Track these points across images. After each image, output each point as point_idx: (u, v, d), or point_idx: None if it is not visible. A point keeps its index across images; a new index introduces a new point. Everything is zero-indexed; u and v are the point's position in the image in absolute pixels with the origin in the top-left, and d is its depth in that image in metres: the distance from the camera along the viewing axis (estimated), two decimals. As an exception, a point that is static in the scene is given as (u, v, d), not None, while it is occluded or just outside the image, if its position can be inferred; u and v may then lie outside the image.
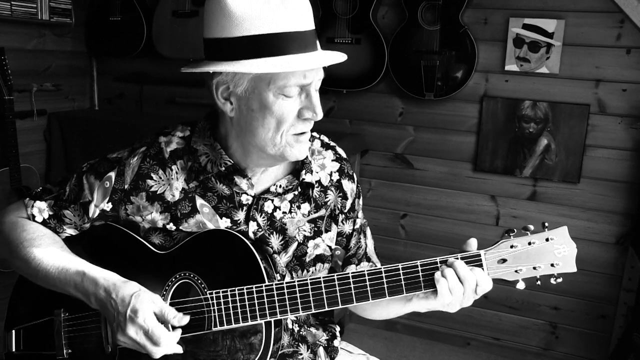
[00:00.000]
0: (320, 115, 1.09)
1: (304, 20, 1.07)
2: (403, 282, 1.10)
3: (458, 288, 1.07)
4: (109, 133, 3.09)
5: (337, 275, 1.11)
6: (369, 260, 1.35)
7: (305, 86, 1.08)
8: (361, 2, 2.80)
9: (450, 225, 2.98)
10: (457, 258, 1.10)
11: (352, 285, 1.10)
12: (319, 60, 1.06)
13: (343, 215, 1.29)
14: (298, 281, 1.11)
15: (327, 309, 1.11)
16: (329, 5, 2.84)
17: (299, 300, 1.10)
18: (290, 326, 1.26)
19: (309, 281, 1.11)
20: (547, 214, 2.79)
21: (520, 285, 1.10)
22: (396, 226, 3.09)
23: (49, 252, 1.18)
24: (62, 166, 3.25)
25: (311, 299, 1.10)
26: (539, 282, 1.12)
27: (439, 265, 1.10)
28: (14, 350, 1.24)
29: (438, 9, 2.70)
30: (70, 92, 3.46)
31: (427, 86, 2.77)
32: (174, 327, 1.11)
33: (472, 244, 1.12)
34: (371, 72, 2.84)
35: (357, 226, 1.33)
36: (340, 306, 1.11)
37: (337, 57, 1.10)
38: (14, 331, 1.25)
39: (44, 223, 1.24)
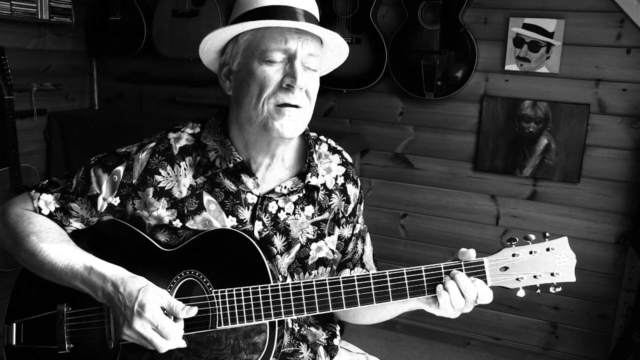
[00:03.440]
0: (299, 81, 1.10)
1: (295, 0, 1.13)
2: (407, 287, 1.11)
3: (459, 300, 1.10)
4: (108, 133, 3.09)
5: (342, 277, 1.12)
6: (363, 266, 1.35)
7: (291, 56, 1.11)
8: (361, 1, 2.80)
9: (450, 225, 2.98)
10: (461, 266, 1.11)
11: (357, 289, 1.11)
12: (294, 23, 1.09)
13: (344, 219, 1.30)
14: (303, 282, 1.12)
15: (331, 310, 1.12)
16: (329, 5, 2.84)
17: (304, 302, 1.11)
18: (290, 325, 1.26)
19: (314, 283, 1.11)
20: (547, 214, 2.79)
21: (521, 293, 1.12)
22: (396, 226, 3.09)
23: (56, 245, 1.18)
24: (62, 166, 3.26)
25: (316, 300, 1.11)
26: (538, 291, 1.15)
27: (442, 272, 1.11)
28: (14, 343, 1.24)
29: (438, 9, 2.70)
30: (70, 92, 3.46)
31: (427, 86, 2.77)
32: (176, 319, 1.11)
33: (470, 254, 1.14)
34: (371, 72, 2.85)
35: (356, 231, 1.33)
36: (345, 308, 1.12)
37: (319, 29, 1.12)
38: (14, 324, 1.25)
39: (50, 216, 1.24)
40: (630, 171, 2.63)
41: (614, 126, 2.62)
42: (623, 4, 2.50)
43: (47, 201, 1.25)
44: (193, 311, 1.11)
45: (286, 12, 1.11)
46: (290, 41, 1.10)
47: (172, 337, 1.09)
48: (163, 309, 1.10)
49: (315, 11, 1.17)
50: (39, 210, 1.24)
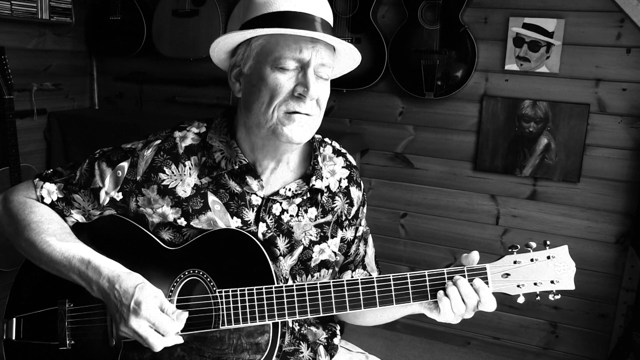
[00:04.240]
0: (311, 91, 1.09)
1: (309, 5, 1.11)
2: (410, 292, 1.12)
3: (460, 306, 1.11)
4: (109, 132, 3.09)
5: (346, 280, 1.12)
6: (364, 268, 1.35)
7: (304, 65, 1.10)
8: (361, 1, 2.80)
9: (450, 225, 2.98)
10: (464, 271, 1.12)
11: (360, 292, 1.12)
12: (312, 33, 1.08)
13: (347, 222, 1.30)
14: (307, 284, 1.12)
15: (335, 313, 1.13)
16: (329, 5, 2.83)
17: (307, 304, 1.11)
18: (290, 325, 1.26)
19: (318, 285, 1.12)
20: (547, 214, 2.79)
21: (521, 299, 1.15)
22: (396, 225, 3.09)
23: (56, 236, 1.18)
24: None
25: (320, 302, 1.11)
26: (538, 298, 1.16)
27: (445, 277, 1.12)
28: (13, 338, 1.23)
29: (438, 9, 2.70)
30: (70, 92, 3.46)
31: (427, 85, 2.78)
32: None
33: (473, 257, 1.15)
34: (371, 72, 2.85)
35: (359, 233, 1.33)
36: (349, 311, 1.12)
37: (333, 39, 1.11)
38: (14, 319, 1.24)
39: (52, 205, 1.24)
40: (630, 171, 2.63)
41: (614, 126, 2.63)
42: (623, 4, 2.50)
43: (50, 190, 1.24)
44: (183, 316, 1.10)
45: (303, 20, 1.10)
46: (304, 50, 1.09)
47: (170, 334, 1.09)
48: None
49: (330, 18, 1.16)
50: (41, 199, 1.24)
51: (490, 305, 1.12)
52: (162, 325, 1.08)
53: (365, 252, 1.36)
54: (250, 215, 1.20)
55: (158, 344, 1.08)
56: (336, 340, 1.35)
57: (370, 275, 1.35)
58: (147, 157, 1.21)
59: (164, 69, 3.40)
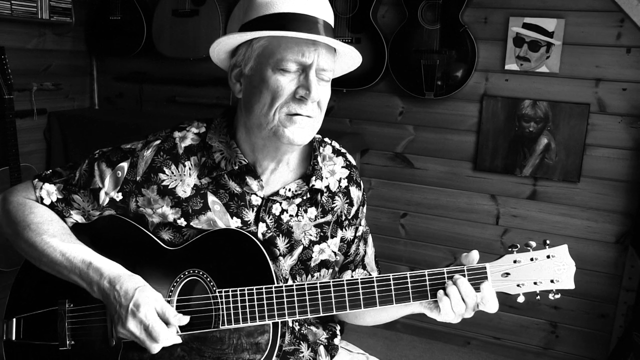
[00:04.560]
0: (313, 94, 1.09)
1: (311, 7, 1.11)
2: (410, 291, 1.12)
3: (460, 305, 1.10)
4: (109, 132, 3.10)
5: (346, 280, 1.12)
6: (364, 267, 1.36)
7: (305, 67, 1.10)
8: (361, 1, 2.80)
9: (450, 225, 2.98)
10: (464, 271, 1.12)
11: (360, 291, 1.12)
12: (310, 35, 1.08)
13: (347, 222, 1.30)
14: (307, 284, 1.12)
15: (335, 312, 1.13)
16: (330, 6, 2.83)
17: (307, 303, 1.11)
18: (291, 324, 1.26)
19: (318, 285, 1.12)
20: (547, 213, 2.79)
21: (521, 299, 1.14)
22: (396, 225, 3.09)
23: (57, 237, 1.18)
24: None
25: (320, 302, 1.11)
26: (538, 297, 1.16)
27: (445, 276, 1.12)
28: (14, 338, 1.23)
29: (438, 8, 2.70)
30: (70, 92, 3.46)
31: (427, 85, 2.78)
32: (168, 324, 1.11)
33: (473, 256, 1.14)
34: (371, 71, 2.85)
35: (358, 233, 1.33)
36: (349, 310, 1.12)
37: (336, 43, 1.12)
38: (14, 319, 1.24)
39: (52, 206, 1.24)
40: (630, 171, 2.63)
41: (614, 126, 2.63)
42: (623, 4, 2.50)
43: (50, 191, 1.24)
44: (184, 320, 1.12)
45: (305, 22, 1.10)
46: (306, 53, 1.09)
47: (162, 340, 1.08)
48: (157, 312, 1.10)
49: (331, 19, 1.16)
50: (40, 200, 1.24)
51: (492, 305, 1.11)
52: (154, 330, 1.07)
53: (365, 251, 1.36)
54: (250, 216, 1.20)
55: (155, 346, 1.08)
56: (336, 341, 1.35)
57: (370, 275, 1.35)
58: (146, 158, 1.21)
59: (164, 69, 3.40)
